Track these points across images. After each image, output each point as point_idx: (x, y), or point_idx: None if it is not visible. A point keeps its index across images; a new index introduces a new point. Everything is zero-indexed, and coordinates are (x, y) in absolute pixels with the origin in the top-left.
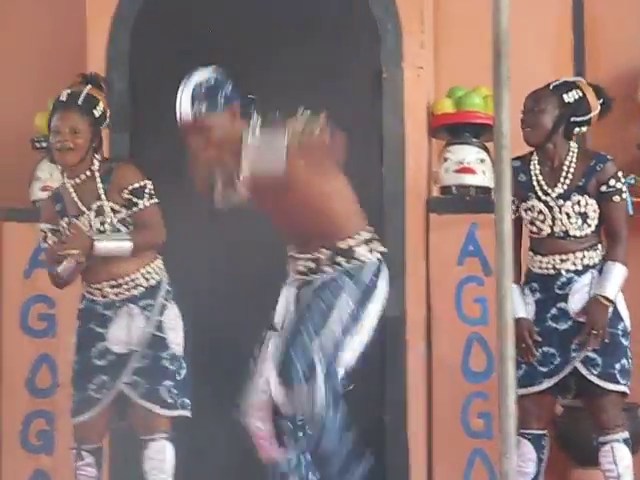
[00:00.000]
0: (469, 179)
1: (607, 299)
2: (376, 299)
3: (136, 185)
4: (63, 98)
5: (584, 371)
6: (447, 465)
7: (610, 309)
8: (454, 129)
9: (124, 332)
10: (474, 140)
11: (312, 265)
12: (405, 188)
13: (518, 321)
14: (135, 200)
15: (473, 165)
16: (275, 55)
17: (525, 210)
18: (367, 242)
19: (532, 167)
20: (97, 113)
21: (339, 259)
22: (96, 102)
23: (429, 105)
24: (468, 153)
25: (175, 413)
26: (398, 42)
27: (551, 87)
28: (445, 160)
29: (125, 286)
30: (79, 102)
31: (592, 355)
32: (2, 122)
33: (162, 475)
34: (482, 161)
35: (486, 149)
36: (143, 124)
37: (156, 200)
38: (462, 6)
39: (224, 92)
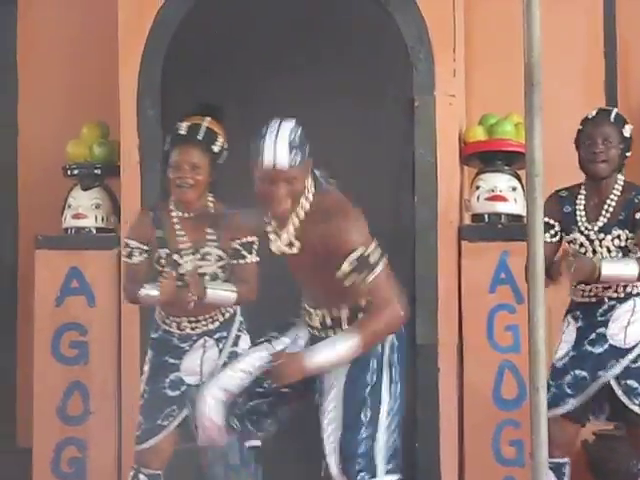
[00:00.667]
0: (501, 207)
1: (599, 270)
2: None
3: (249, 239)
4: (183, 132)
5: (625, 399)
6: None
7: (594, 277)
8: (486, 157)
9: (197, 363)
10: (506, 168)
11: (329, 322)
12: (437, 216)
13: None
14: (243, 253)
15: (505, 193)
16: (307, 84)
17: (568, 242)
18: None
19: (579, 200)
20: (216, 149)
21: (359, 315)
22: (215, 137)
23: (461, 133)
24: (500, 181)
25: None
26: (430, 70)
27: (612, 119)
28: (477, 188)
29: (204, 322)
30: (199, 137)
31: (633, 384)
32: (34, 149)
33: None
34: (514, 189)
35: (518, 177)
36: None
37: (258, 259)
38: (494, 34)
39: (307, 143)
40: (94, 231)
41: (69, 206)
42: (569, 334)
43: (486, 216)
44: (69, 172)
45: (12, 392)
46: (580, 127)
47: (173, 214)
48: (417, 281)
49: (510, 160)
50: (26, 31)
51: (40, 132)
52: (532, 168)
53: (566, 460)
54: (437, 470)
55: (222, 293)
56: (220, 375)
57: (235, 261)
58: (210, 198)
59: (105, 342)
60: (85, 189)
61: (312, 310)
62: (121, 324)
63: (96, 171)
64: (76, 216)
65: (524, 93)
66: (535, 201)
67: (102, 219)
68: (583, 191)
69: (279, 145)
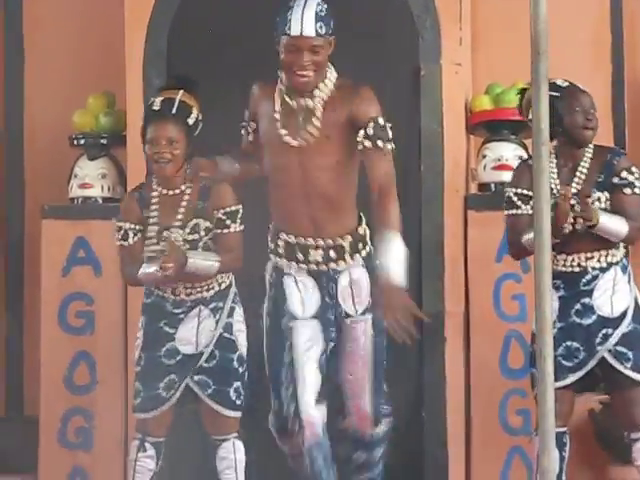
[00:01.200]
0: (507, 176)
1: (597, 218)
2: None
3: (233, 208)
4: (156, 107)
5: (616, 364)
6: (485, 462)
7: (590, 223)
8: (492, 126)
9: (193, 333)
10: (512, 137)
11: (332, 254)
12: (443, 185)
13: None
14: (228, 222)
15: (511, 162)
16: None
17: None
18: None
19: (552, 166)
20: (191, 121)
21: (359, 246)
22: (190, 109)
23: (467, 102)
24: (506, 150)
25: (240, 414)
26: (436, 39)
27: (581, 88)
28: (483, 157)
29: (199, 288)
30: (173, 111)
31: (622, 349)
32: (40, 120)
33: (235, 474)
34: (520, 158)
35: (524, 146)
36: None
37: (242, 227)
38: (500, 3)
39: (332, 22)
40: (100, 201)
41: (75, 176)
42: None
43: (492, 185)
44: (75, 142)
45: (19, 361)
46: (554, 94)
47: (155, 192)
48: (423, 250)
49: (516, 129)
50: (31, 2)
51: (46, 102)
52: (539, 137)
53: (565, 429)
54: (444, 439)
55: (203, 262)
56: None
57: (219, 230)
58: (189, 171)
59: (111, 312)
60: (91, 159)
61: (311, 241)
62: (127, 294)
63: (102, 141)
64: (82, 186)
65: (530, 62)
66: (542, 170)
67: (108, 189)
68: (553, 158)
69: (307, 14)
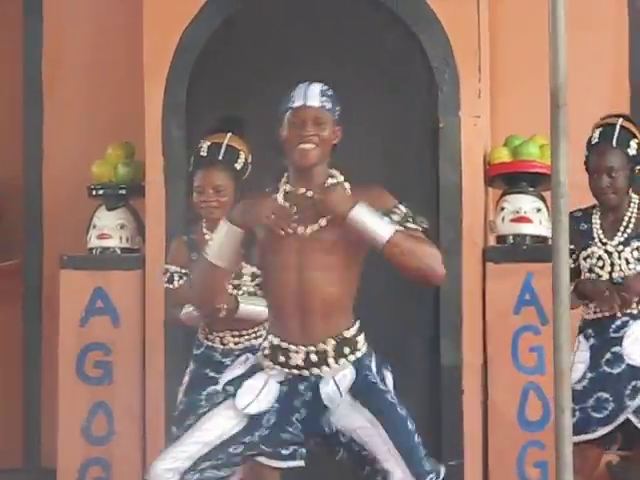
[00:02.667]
0: (525, 228)
1: None
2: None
3: None
4: (204, 153)
5: (635, 421)
6: None
7: None
8: (511, 178)
9: None
10: (531, 189)
11: (314, 358)
12: (462, 237)
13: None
14: None
15: (530, 214)
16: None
17: (584, 258)
18: (361, 330)
19: (594, 218)
20: (239, 166)
21: (346, 350)
22: (237, 154)
23: (486, 154)
24: (525, 202)
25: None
26: (455, 91)
27: (615, 143)
28: (502, 209)
29: (247, 336)
30: (220, 157)
31: None
32: (59, 170)
33: None
34: (539, 210)
35: (543, 198)
36: None
37: None
38: (519, 55)
39: (339, 108)
40: (119, 251)
41: (94, 226)
42: (582, 354)
43: (511, 237)
44: (94, 192)
45: (36, 412)
46: (586, 153)
47: (207, 237)
48: (442, 302)
49: (535, 181)
50: (51, 50)
51: (65, 152)
52: (557, 190)
53: None
54: None
55: (254, 308)
56: (166, 453)
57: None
58: None
59: (129, 362)
60: (110, 209)
61: (293, 346)
62: (145, 344)
63: (121, 191)
64: (101, 236)
65: (550, 115)
66: (560, 223)
67: (127, 239)
68: (598, 211)
69: (311, 88)
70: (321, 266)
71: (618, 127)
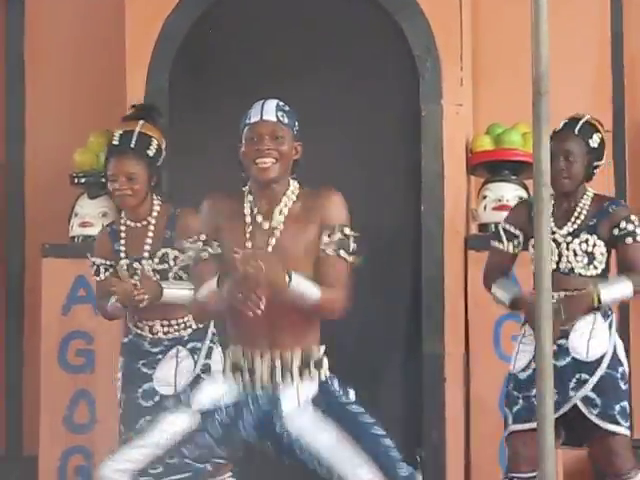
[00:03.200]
0: None
1: (598, 298)
2: None
3: (202, 237)
4: (116, 142)
5: (584, 410)
6: None
7: (592, 307)
8: (493, 166)
9: (172, 374)
10: (513, 178)
11: (278, 365)
12: (444, 225)
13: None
14: None
15: (512, 202)
16: (311, 94)
17: (533, 246)
18: (325, 355)
19: None
20: (151, 152)
21: (310, 365)
22: (149, 141)
23: (468, 142)
24: (507, 190)
25: None
26: (437, 79)
27: (576, 132)
28: (484, 197)
29: (176, 326)
30: (132, 145)
31: (591, 395)
32: (41, 158)
33: None
34: (520, 199)
35: (525, 187)
36: (181, 159)
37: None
38: (501, 43)
39: (296, 124)
40: None
41: (76, 214)
42: (527, 343)
43: (493, 226)
44: (76, 180)
45: (18, 400)
46: (554, 137)
47: (127, 225)
48: (424, 290)
49: (517, 170)
50: (33, 39)
51: (47, 140)
52: (539, 178)
53: (534, 474)
54: (443, 479)
55: (179, 292)
56: (117, 454)
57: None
58: (156, 201)
59: (111, 350)
60: (92, 197)
61: (257, 357)
62: None
63: (103, 179)
64: (83, 224)
65: (532, 103)
66: (542, 211)
67: None
68: (552, 199)
69: (267, 103)
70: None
71: (584, 120)
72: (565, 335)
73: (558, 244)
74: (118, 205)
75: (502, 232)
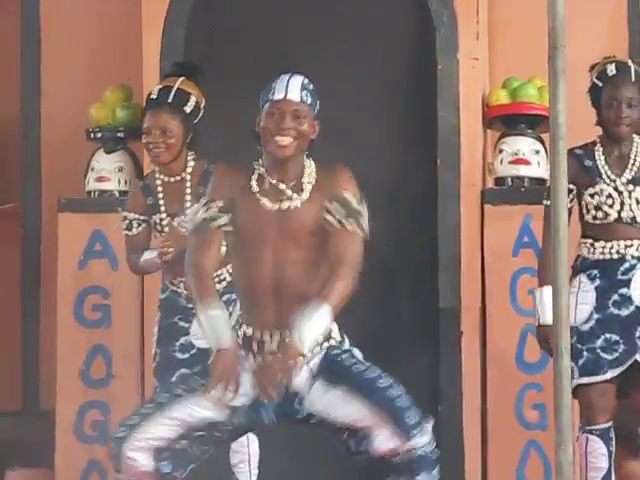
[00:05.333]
0: (524, 170)
1: None
2: None
3: None
4: (154, 96)
5: None
6: (501, 456)
7: None
8: (509, 120)
9: None
10: (529, 131)
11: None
12: (460, 179)
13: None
14: None
15: (528, 156)
16: (330, 47)
17: (591, 195)
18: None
19: (597, 155)
20: (188, 109)
21: (322, 343)
22: (187, 98)
23: (484, 96)
24: (523, 144)
25: None
26: (453, 33)
27: (633, 79)
28: (500, 151)
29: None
30: (169, 100)
31: None
32: (57, 113)
33: (248, 467)
34: (537, 152)
35: (541, 140)
36: None
37: None
38: None
39: (318, 103)
40: (117, 194)
41: (92, 169)
42: (587, 295)
43: (509, 179)
44: (92, 135)
45: (35, 355)
46: (599, 83)
47: (162, 181)
48: (440, 245)
49: (533, 123)
50: None
51: (63, 96)
52: (556, 131)
53: (610, 424)
54: (460, 433)
55: None
56: (144, 424)
57: None
58: (190, 157)
59: (128, 305)
60: (108, 152)
61: (267, 333)
62: (144, 287)
63: (119, 134)
64: (99, 179)
65: (548, 57)
66: (559, 164)
67: (125, 182)
68: (599, 147)
69: (293, 81)
70: (294, 259)
71: (633, 66)
72: (627, 284)
73: (620, 192)
74: (152, 161)
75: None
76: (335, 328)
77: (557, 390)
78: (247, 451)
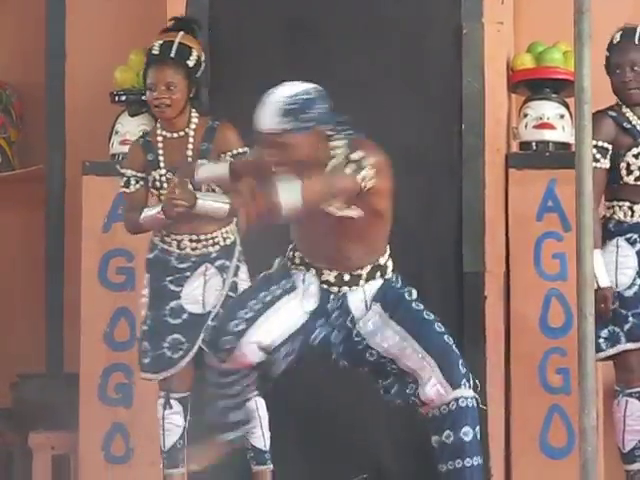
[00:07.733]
0: (549, 134)
1: None
2: None
3: (239, 150)
4: (155, 51)
5: None
6: (525, 420)
7: None
8: (534, 85)
9: (200, 292)
10: (554, 95)
11: (347, 278)
12: (484, 143)
13: (602, 291)
14: None
15: (553, 120)
16: (352, 11)
17: (635, 155)
18: (390, 256)
19: (630, 116)
20: (191, 63)
21: (377, 274)
22: (189, 51)
23: (509, 60)
24: (548, 108)
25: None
26: None
27: (637, 41)
28: (525, 116)
29: (204, 242)
30: (172, 54)
31: None
32: (81, 76)
33: (261, 431)
34: (562, 116)
35: (566, 105)
36: (221, 80)
37: None
38: None
39: (314, 112)
40: None
41: (116, 132)
42: (627, 259)
43: (534, 144)
44: (117, 98)
45: (59, 318)
46: (607, 53)
47: (164, 137)
48: (464, 209)
49: (558, 88)
50: None
51: (88, 59)
52: (581, 96)
53: None
54: (483, 398)
55: (213, 204)
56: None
57: None
58: (194, 113)
59: None
60: (132, 115)
61: (325, 270)
62: None
63: (143, 97)
64: (123, 142)
65: (573, 21)
66: (584, 129)
67: None
68: (626, 108)
69: (267, 110)
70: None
71: (639, 32)
72: None
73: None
74: (156, 116)
75: (595, 150)
76: (390, 264)
77: (581, 355)
78: (257, 415)
